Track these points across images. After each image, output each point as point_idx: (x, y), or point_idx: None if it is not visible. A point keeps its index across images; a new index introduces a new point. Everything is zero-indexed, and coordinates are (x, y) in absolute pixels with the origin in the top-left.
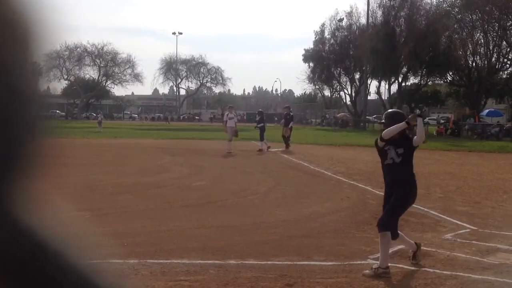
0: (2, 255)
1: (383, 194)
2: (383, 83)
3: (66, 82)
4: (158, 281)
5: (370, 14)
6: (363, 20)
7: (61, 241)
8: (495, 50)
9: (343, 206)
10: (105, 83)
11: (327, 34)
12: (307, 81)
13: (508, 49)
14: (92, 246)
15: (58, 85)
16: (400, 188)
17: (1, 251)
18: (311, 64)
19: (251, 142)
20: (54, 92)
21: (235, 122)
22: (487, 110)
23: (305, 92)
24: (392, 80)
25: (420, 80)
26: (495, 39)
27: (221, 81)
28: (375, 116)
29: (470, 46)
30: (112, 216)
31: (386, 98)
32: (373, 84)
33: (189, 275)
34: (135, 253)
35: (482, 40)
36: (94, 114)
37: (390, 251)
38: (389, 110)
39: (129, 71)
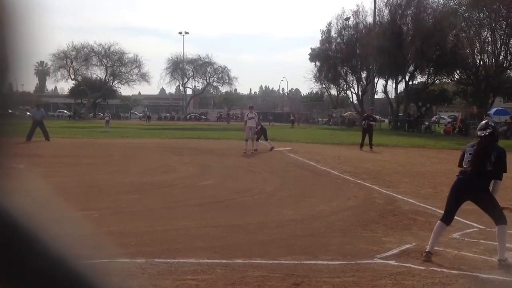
0: (7, 255)
1: (390, 193)
2: (390, 82)
3: (74, 82)
4: (165, 280)
5: (376, 13)
6: (369, 19)
7: (68, 240)
8: (502, 49)
9: (350, 205)
10: (112, 83)
11: (333, 33)
12: (314, 80)
13: None
14: (100, 245)
15: (66, 85)
16: None
17: (5, 251)
18: (318, 63)
19: (258, 142)
20: (61, 92)
21: (255, 122)
22: (494, 109)
23: (311, 91)
24: (399, 79)
25: (427, 78)
26: (502, 37)
27: (227, 80)
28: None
29: (477, 45)
30: (119, 215)
31: (393, 97)
32: (380, 83)
33: (196, 274)
34: (142, 252)
35: (490, 39)
36: (101, 114)
37: (397, 250)
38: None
39: (135, 70)
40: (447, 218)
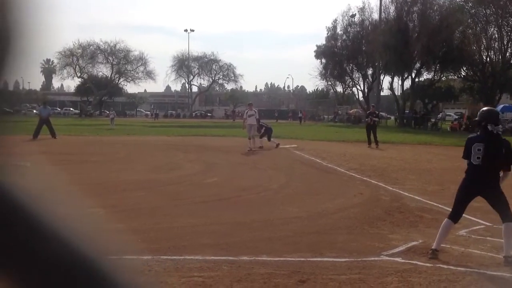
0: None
1: (396, 190)
2: (396, 78)
3: (80, 79)
4: (171, 277)
5: (382, 10)
6: (375, 16)
7: (76, 237)
8: (509, 45)
9: (355, 203)
10: (118, 80)
11: (339, 30)
12: (319, 77)
13: None
14: (106, 242)
15: (72, 83)
16: None
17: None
18: (323, 60)
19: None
20: (68, 90)
21: (256, 119)
22: (501, 106)
23: (317, 88)
24: (405, 75)
25: (434, 75)
26: (509, 33)
27: (233, 77)
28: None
29: (484, 41)
30: (125, 213)
31: (399, 94)
32: (386, 80)
33: (202, 271)
34: (148, 249)
35: (496, 35)
36: (107, 112)
37: (404, 247)
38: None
39: (141, 68)
40: (456, 216)
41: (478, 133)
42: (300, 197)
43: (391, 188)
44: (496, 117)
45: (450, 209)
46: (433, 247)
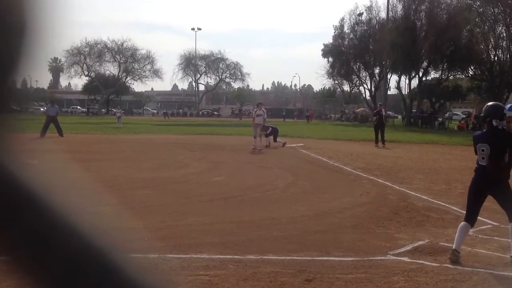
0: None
1: (402, 189)
2: (403, 77)
3: (87, 78)
4: (178, 276)
5: (390, 8)
6: (383, 14)
7: (82, 235)
8: None
9: (362, 202)
10: (125, 79)
11: (346, 29)
12: (326, 76)
13: None
14: (112, 240)
15: (79, 81)
16: None
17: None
18: (331, 59)
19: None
20: (75, 88)
21: (264, 119)
22: (509, 105)
23: (324, 87)
24: (413, 74)
25: (441, 74)
26: None
27: (240, 76)
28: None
29: (492, 40)
30: (131, 211)
31: (406, 93)
32: (393, 79)
33: (208, 270)
34: (154, 248)
35: (504, 34)
36: (114, 110)
37: (410, 246)
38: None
39: (148, 67)
40: (471, 219)
41: (484, 130)
42: (307, 196)
43: (397, 187)
44: (501, 112)
45: (457, 209)
46: (453, 247)
